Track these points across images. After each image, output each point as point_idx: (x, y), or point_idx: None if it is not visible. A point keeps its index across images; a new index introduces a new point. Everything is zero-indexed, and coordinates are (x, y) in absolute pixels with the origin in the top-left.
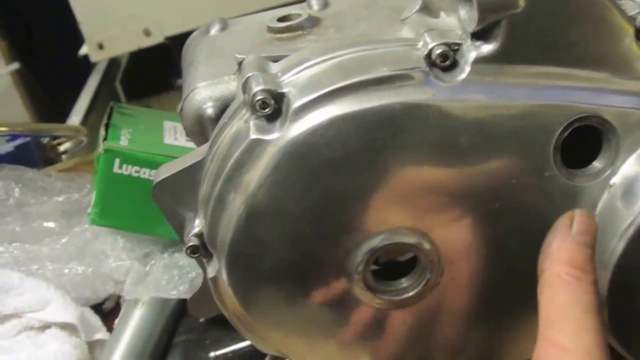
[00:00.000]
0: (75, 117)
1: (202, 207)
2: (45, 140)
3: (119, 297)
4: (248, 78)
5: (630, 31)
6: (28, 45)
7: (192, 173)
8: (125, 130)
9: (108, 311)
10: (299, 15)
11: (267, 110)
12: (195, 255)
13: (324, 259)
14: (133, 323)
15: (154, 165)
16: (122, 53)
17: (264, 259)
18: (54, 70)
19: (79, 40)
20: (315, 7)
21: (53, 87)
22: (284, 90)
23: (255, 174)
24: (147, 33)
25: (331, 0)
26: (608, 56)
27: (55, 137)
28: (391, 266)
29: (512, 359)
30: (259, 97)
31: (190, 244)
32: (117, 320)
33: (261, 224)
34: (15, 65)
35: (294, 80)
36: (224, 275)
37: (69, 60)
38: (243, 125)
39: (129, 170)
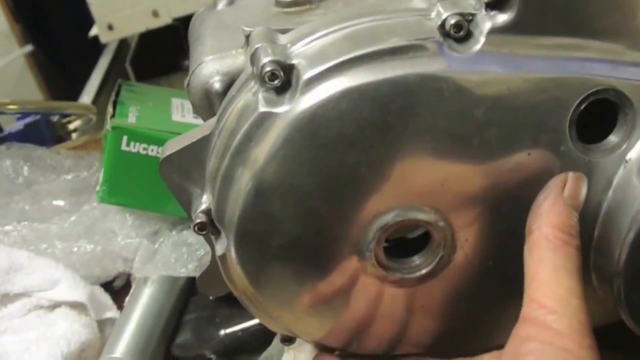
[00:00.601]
0: (87, 97)
1: (210, 183)
2: (55, 118)
3: (129, 275)
4: (256, 49)
5: None
6: (41, 27)
7: (199, 148)
8: (133, 107)
9: (118, 289)
10: None
11: (276, 82)
12: (203, 233)
13: (336, 236)
14: (143, 301)
15: (161, 142)
16: (131, 34)
17: (274, 236)
18: (68, 51)
19: (90, 21)
20: None
21: (66, 68)
22: (294, 61)
23: (264, 148)
24: (155, 14)
25: None
26: (624, 28)
27: (65, 115)
28: (401, 244)
29: None
30: (267, 69)
31: (198, 220)
32: (127, 299)
33: (271, 200)
34: (29, 48)
35: (304, 51)
36: (233, 253)
37: (82, 41)
38: (251, 97)
39: (137, 147)
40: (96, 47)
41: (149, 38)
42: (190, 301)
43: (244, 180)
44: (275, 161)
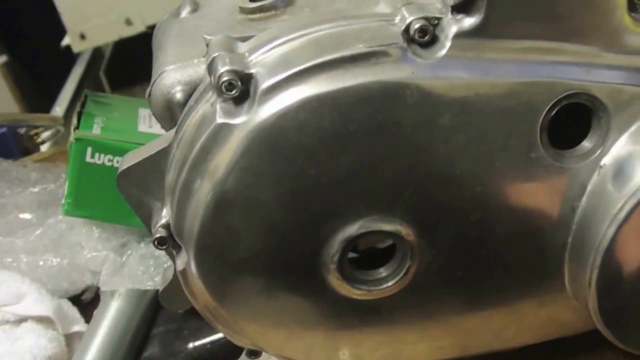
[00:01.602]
0: (59, 108)
1: (169, 196)
2: (22, 130)
3: (98, 288)
4: (214, 58)
5: (621, 2)
6: (16, 37)
7: (158, 160)
8: (98, 118)
9: (87, 302)
10: None
11: (233, 92)
12: (163, 247)
13: (298, 249)
14: (110, 315)
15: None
16: (104, 43)
17: (235, 249)
18: (43, 61)
19: (65, 31)
20: None
21: (42, 79)
22: (252, 70)
23: (223, 161)
24: (128, 22)
25: None
26: (598, 29)
27: (33, 127)
28: (372, 253)
29: (501, 344)
30: (224, 79)
31: (158, 235)
32: (95, 312)
33: (230, 213)
34: (4, 58)
35: (262, 59)
36: (193, 268)
37: (58, 51)
38: (209, 108)
39: (102, 159)
40: (72, 56)
41: (123, 47)
42: (159, 314)
43: (203, 194)
44: (234, 174)
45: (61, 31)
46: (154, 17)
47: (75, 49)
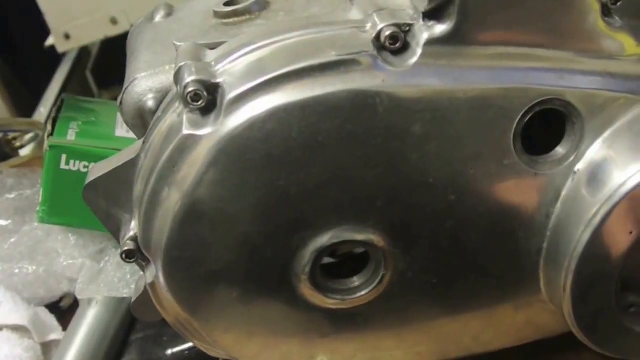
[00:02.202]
0: (43, 109)
1: (137, 208)
2: (0, 135)
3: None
4: (180, 68)
5: (595, 6)
6: (2, 39)
7: (126, 172)
8: (74, 123)
9: (66, 309)
10: None
11: (200, 102)
12: (131, 261)
13: (269, 260)
14: (87, 323)
15: (103, 159)
16: (89, 43)
17: (205, 262)
18: (30, 62)
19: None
20: None
21: (30, 80)
22: (219, 80)
23: (190, 173)
24: (113, 22)
25: None
26: (572, 34)
27: (11, 132)
28: (349, 259)
29: (479, 348)
30: (190, 89)
31: (126, 248)
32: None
33: (199, 225)
34: None
35: (230, 68)
36: (162, 281)
37: (45, 51)
38: (176, 119)
39: (77, 165)
40: (60, 56)
41: (110, 45)
42: (137, 320)
43: (170, 206)
44: (202, 186)
45: (47, 31)
46: (139, 16)
47: (60, 49)
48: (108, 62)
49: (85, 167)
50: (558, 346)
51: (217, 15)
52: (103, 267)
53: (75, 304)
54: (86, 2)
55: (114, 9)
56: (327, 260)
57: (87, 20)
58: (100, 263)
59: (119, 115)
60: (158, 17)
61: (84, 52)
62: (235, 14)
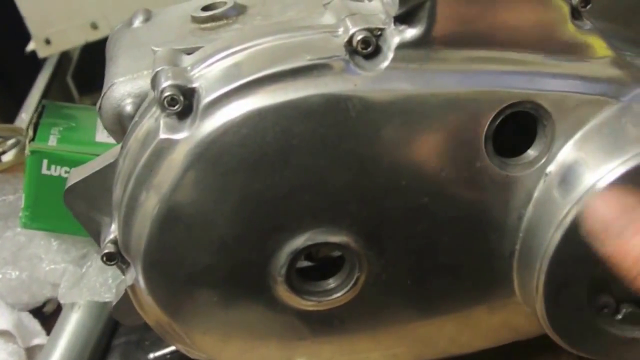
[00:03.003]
0: (25, 115)
1: (116, 211)
2: None
3: None
4: (157, 73)
5: (565, 9)
6: None
7: (105, 176)
8: (55, 129)
9: (50, 314)
10: (225, 3)
11: (176, 107)
12: (112, 263)
13: (246, 262)
14: (70, 327)
15: None
16: (70, 48)
17: (183, 264)
18: (13, 68)
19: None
20: None
21: (13, 86)
22: (194, 84)
23: (167, 176)
24: (94, 27)
25: None
26: (542, 37)
27: None
28: (327, 262)
29: (456, 349)
30: (167, 94)
31: (106, 251)
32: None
33: (176, 228)
34: None
35: (205, 73)
36: (142, 283)
37: (27, 57)
38: (153, 123)
39: (59, 171)
40: (41, 62)
41: (90, 51)
42: (120, 324)
43: (149, 210)
44: (179, 189)
45: (28, 36)
46: (120, 21)
47: (41, 54)
48: (89, 68)
49: (66, 172)
50: (536, 348)
51: (195, 20)
52: (85, 271)
53: (58, 309)
54: (66, 7)
55: (94, 14)
56: (306, 263)
57: (68, 25)
58: (82, 268)
59: (99, 120)
60: (137, 23)
61: (65, 57)
62: (212, 18)
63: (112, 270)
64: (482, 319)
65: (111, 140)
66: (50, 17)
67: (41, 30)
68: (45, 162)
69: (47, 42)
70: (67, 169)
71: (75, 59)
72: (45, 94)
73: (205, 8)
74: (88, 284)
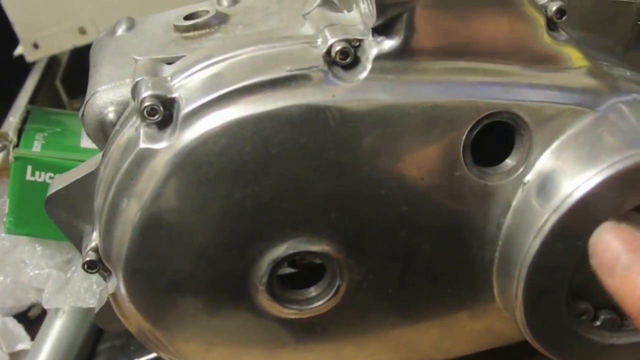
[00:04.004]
0: (13, 119)
1: (97, 219)
2: None
3: None
4: (137, 83)
5: (541, 21)
6: None
7: (86, 184)
8: (40, 134)
9: (33, 319)
10: (207, 12)
11: (156, 117)
12: (93, 271)
13: (227, 271)
14: (54, 333)
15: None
16: (58, 52)
17: (163, 273)
18: (1, 72)
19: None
20: (225, 3)
21: (1, 90)
22: (174, 94)
23: (148, 185)
24: (82, 31)
25: None
26: (519, 48)
27: None
28: (310, 268)
29: (439, 355)
30: (147, 104)
31: (88, 259)
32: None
33: (157, 236)
34: None
35: (185, 83)
36: (123, 291)
37: (15, 61)
38: (134, 133)
39: (43, 177)
40: (30, 66)
41: (80, 54)
42: (105, 330)
43: (129, 218)
44: (159, 198)
45: (16, 40)
46: (107, 26)
47: (29, 58)
48: (78, 72)
49: (51, 178)
50: (515, 353)
51: (178, 29)
52: (70, 277)
53: (43, 314)
54: (54, 12)
55: (82, 19)
56: (288, 270)
57: (56, 30)
58: (67, 273)
59: None
60: (120, 31)
61: (53, 61)
62: (195, 27)
63: (97, 276)
64: (463, 325)
65: (95, 146)
66: (38, 21)
67: (29, 34)
68: (29, 168)
69: (35, 46)
70: (51, 174)
71: (64, 63)
72: (33, 98)
73: (187, 17)
74: (72, 289)
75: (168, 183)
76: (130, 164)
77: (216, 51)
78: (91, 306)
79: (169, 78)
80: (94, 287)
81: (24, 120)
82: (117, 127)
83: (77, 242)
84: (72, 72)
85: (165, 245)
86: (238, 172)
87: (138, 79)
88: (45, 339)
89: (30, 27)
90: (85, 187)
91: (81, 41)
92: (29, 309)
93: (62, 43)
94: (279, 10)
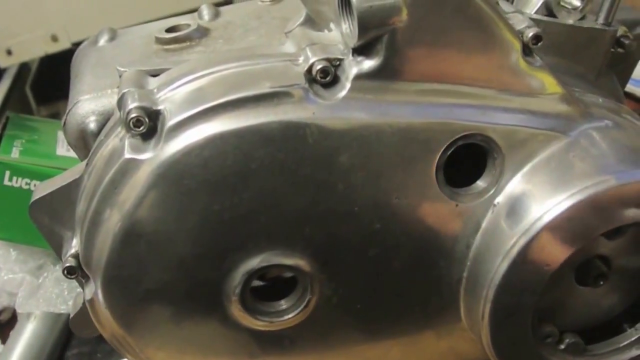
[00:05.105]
0: None
1: (79, 226)
2: None
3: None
4: (123, 94)
5: (517, 46)
6: None
7: (70, 191)
8: (18, 141)
9: (4, 323)
10: (188, 25)
11: (141, 128)
12: (72, 277)
13: (203, 281)
14: (25, 337)
15: (44, 177)
16: (30, 59)
17: (141, 280)
18: None
19: None
20: (206, 17)
21: None
22: (160, 107)
23: (130, 195)
24: (54, 39)
25: (223, 10)
26: (495, 72)
27: None
28: (279, 282)
29: None
30: (133, 115)
31: (67, 264)
32: (11, 333)
33: (137, 245)
34: None
35: (171, 96)
36: (100, 297)
37: None
38: (118, 143)
39: (20, 182)
40: (1, 72)
41: (49, 61)
42: (73, 336)
43: (110, 226)
44: (141, 208)
45: None
46: (79, 34)
47: (2, 64)
48: (47, 78)
49: (27, 184)
50: None
51: (159, 41)
52: (42, 282)
53: (14, 318)
54: (28, 19)
55: (54, 26)
56: (257, 282)
57: (29, 36)
58: (39, 278)
59: (60, 133)
60: (102, 41)
61: (24, 68)
62: (176, 40)
63: (68, 282)
64: (429, 343)
65: (71, 154)
66: (11, 28)
67: (3, 40)
68: (7, 173)
69: (9, 52)
70: (27, 180)
71: (34, 70)
72: (4, 104)
73: (169, 30)
74: (44, 294)
75: (150, 193)
76: (114, 173)
77: (201, 66)
78: (62, 312)
79: (155, 90)
80: (66, 293)
81: (4, 127)
82: (101, 137)
83: (57, 248)
84: (42, 79)
85: (144, 254)
86: (218, 184)
87: (124, 90)
88: (16, 343)
89: (4, 34)
90: (69, 195)
91: (53, 48)
92: (0, 312)
93: (35, 50)
94: (258, 26)
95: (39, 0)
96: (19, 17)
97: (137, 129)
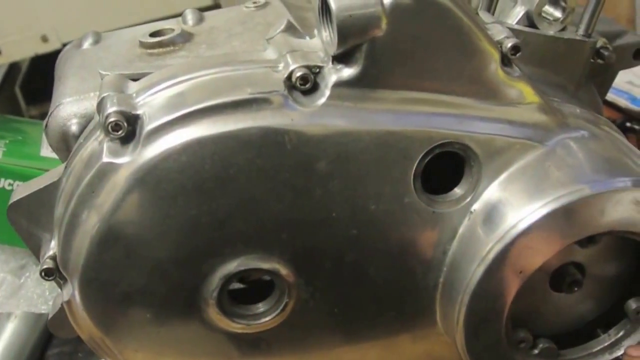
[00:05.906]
0: None
1: (57, 228)
2: None
3: None
4: (103, 98)
5: (496, 56)
6: None
7: (48, 194)
8: (2, 142)
9: None
10: (172, 30)
11: (120, 132)
12: (50, 279)
13: (180, 284)
14: (5, 336)
15: (27, 178)
16: (20, 59)
17: (118, 283)
18: None
19: None
20: (190, 22)
21: None
22: (139, 111)
23: (108, 198)
24: (44, 39)
25: (207, 15)
26: (473, 82)
27: None
28: (258, 285)
29: None
30: (111, 119)
31: (45, 266)
32: None
33: (114, 248)
34: None
35: (150, 101)
36: (77, 299)
37: None
38: (97, 146)
39: (3, 183)
40: None
41: (39, 61)
42: (54, 336)
43: (88, 229)
44: (118, 212)
45: None
46: (69, 35)
47: None
48: (37, 79)
49: (10, 185)
50: None
51: (143, 45)
52: (23, 282)
53: None
54: (18, 19)
55: (44, 27)
56: (237, 285)
57: (19, 37)
58: (20, 278)
59: (44, 135)
60: (86, 44)
61: (14, 67)
62: (159, 44)
63: (50, 283)
64: (405, 347)
65: (54, 155)
66: (2, 28)
67: None
68: None
69: None
70: (10, 181)
71: (24, 69)
72: None
73: (153, 34)
74: (26, 294)
75: (128, 197)
76: (92, 176)
77: (181, 71)
78: (43, 312)
79: (134, 95)
80: (47, 293)
81: None
82: (80, 140)
83: (35, 250)
84: (32, 79)
85: (121, 257)
86: (196, 189)
87: (104, 95)
88: None
89: None
90: (47, 197)
91: (43, 49)
92: None
93: (25, 50)
94: (242, 32)
95: (29, 1)
96: (9, 18)
97: (116, 133)
